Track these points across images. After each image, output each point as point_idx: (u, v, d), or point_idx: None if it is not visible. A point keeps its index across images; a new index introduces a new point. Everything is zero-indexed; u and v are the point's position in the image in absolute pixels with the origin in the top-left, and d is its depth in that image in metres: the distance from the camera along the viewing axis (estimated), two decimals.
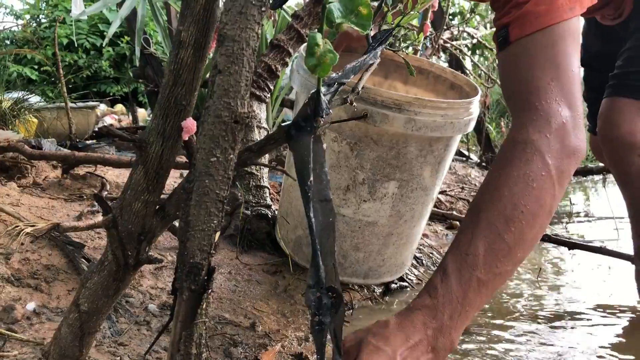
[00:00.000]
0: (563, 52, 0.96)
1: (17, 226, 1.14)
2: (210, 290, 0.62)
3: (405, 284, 1.66)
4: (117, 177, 1.96)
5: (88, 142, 2.63)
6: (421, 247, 2.02)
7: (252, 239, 1.68)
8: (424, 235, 2.22)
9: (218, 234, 0.62)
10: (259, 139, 1.87)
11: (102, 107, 5.79)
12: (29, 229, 1.11)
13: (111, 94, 6.48)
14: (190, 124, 0.63)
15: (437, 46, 3.23)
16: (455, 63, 3.50)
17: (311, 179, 0.65)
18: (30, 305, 1.08)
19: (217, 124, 0.59)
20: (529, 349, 1.20)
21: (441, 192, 2.87)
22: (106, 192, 1.69)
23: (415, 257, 1.87)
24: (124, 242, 0.66)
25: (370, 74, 1.68)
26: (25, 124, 2.34)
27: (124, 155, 2.32)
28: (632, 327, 1.35)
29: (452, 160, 3.97)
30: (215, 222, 0.61)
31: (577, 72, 0.98)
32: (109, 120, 5.45)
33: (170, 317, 0.65)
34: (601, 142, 1.43)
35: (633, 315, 1.42)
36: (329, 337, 0.66)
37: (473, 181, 3.62)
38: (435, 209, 2.49)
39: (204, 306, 0.63)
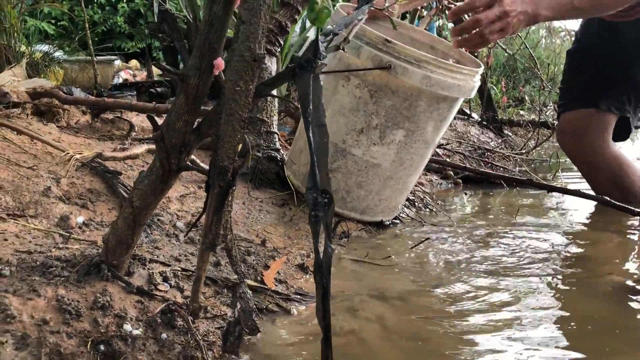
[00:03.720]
0: None
1: (68, 153, 1.35)
2: (234, 187, 0.84)
3: (397, 221, 1.88)
4: (142, 122, 2.16)
5: (112, 92, 2.83)
6: (416, 192, 2.23)
7: (263, 178, 1.89)
8: (420, 183, 2.43)
9: (240, 145, 0.83)
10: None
11: (117, 62, 5.96)
12: (77, 156, 1.33)
13: (126, 50, 6.63)
14: (219, 62, 0.83)
15: (440, 6, 3.36)
16: (459, 23, 3.63)
17: (311, 107, 0.86)
18: (80, 219, 1.30)
19: (241, 62, 0.79)
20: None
21: (439, 146, 3.06)
22: (134, 133, 1.91)
23: (409, 199, 2.08)
24: (169, 152, 0.87)
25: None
26: (54, 73, 2.53)
27: (145, 103, 2.52)
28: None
29: (454, 118, 4.15)
30: (238, 136, 0.82)
31: None
32: (124, 75, 5.61)
33: (204, 209, 0.87)
34: None
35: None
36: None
37: (472, 138, 3.79)
38: (432, 158, 2.69)
39: (230, 199, 0.84)
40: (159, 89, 3.99)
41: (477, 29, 1.48)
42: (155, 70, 5.83)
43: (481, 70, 1.59)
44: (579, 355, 0.99)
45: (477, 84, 1.58)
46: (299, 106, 0.87)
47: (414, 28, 1.89)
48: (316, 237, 0.87)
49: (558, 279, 1.38)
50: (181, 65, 3.87)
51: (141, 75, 5.78)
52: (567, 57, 2.22)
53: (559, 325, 1.12)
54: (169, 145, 0.86)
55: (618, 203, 1.73)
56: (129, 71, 6.00)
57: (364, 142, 1.61)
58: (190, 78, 0.83)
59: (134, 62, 6.72)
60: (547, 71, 3.92)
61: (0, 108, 1.81)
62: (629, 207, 1.68)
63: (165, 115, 2.03)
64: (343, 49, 0.87)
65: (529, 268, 1.44)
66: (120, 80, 5.09)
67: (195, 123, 0.88)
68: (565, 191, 1.89)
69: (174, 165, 0.88)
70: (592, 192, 2.03)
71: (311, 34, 3.23)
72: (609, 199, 1.75)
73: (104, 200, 1.41)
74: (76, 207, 1.35)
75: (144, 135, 2.02)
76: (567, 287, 1.33)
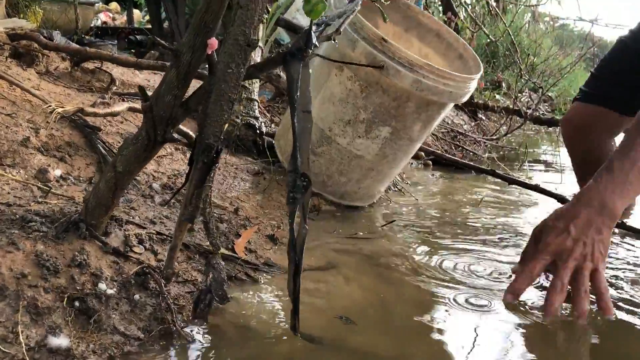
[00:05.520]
0: None
1: (50, 106, 1.36)
2: (217, 164, 0.87)
3: None
4: (122, 74, 2.15)
5: (93, 39, 2.78)
6: None
7: (240, 144, 1.92)
8: None
9: (227, 125, 0.86)
10: (253, 55, 2.08)
11: (98, 4, 5.78)
12: (60, 110, 1.33)
13: None
14: (213, 42, 0.85)
15: None
16: (446, 3, 3.65)
17: (298, 93, 0.89)
18: (57, 172, 1.32)
19: (235, 45, 0.82)
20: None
21: None
22: (115, 87, 1.91)
23: None
24: (156, 124, 0.90)
25: (392, 25, 1.88)
26: (35, 14, 2.48)
27: (129, 56, 2.49)
28: None
29: None
30: (225, 116, 0.85)
31: None
32: (103, 18, 5.47)
33: (185, 181, 0.91)
34: None
35: None
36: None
37: (447, 120, 3.86)
38: None
39: (212, 175, 0.88)
40: (138, 37, 3.93)
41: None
42: (136, 16, 5.69)
43: (479, 75, 1.59)
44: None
45: (472, 90, 1.57)
46: (286, 91, 0.90)
47: (424, 13, 1.86)
48: (292, 217, 0.91)
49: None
50: (163, 15, 3.81)
51: (121, 19, 5.65)
52: (615, 43, 1.97)
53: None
54: (156, 117, 0.89)
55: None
56: (109, 14, 5.84)
57: (350, 133, 1.62)
58: (183, 55, 0.86)
59: (114, 5, 6.53)
60: (526, 60, 3.99)
61: None
62: None
63: (147, 69, 2.02)
64: (334, 40, 0.90)
65: (488, 240, 1.57)
66: (99, 23, 4.96)
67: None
68: (525, 185, 1.97)
69: (160, 137, 0.91)
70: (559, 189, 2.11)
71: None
72: (565, 196, 1.84)
73: (82, 154, 1.42)
74: (54, 160, 1.36)
75: (124, 90, 2.02)
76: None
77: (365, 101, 1.56)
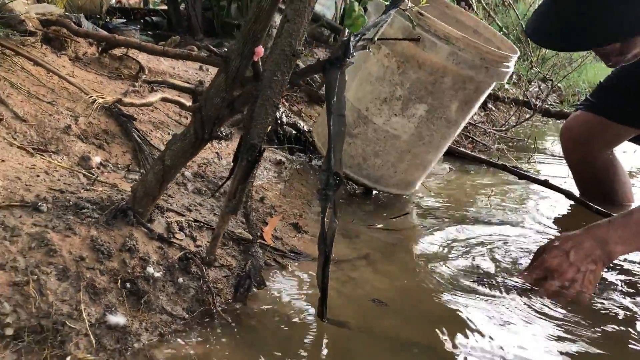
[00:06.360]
0: None
1: (91, 97, 1.43)
2: (259, 163, 0.95)
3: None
4: (148, 62, 2.22)
5: (117, 23, 2.84)
6: None
7: None
8: None
9: (270, 126, 0.94)
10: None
11: None
12: (100, 100, 1.41)
13: None
14: (260, 50, 0.93)
15: None
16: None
17: (334, 99, 0.97)
18: (97, 159, 1.40)
19: (281, 55, 0.89)
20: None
21: None
22: (145, 76, 1.98)
23: None
24: (204, 123, 0.98)
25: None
26: None
27: (148, 39, 2.56)
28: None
29: None
30: (270, 119, 0.93)
31: None
32: None
33: (229, 176, 0.99)
34: None
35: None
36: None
37: None
38: None
39: (254, 172, 0.96)
40: (154, 18, 3.97)
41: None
42: None
43: (516, 55, 1.60)
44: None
45: (511, 70, 1.59)
46: (324, 96, 0.98)
47: (461, 10, 1.90)
48: (324, 212, 1.00)
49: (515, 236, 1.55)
50: None
51: None
52: None
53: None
54: (205, 117, 0.97)
55: (581, 198, 1.89)
56: None
57: (386, 111, 1.65)
58: (232, 61, 0.93)
59: None
60: (538, 52, 4.03)
61: (15, 34, 1.85)
62: (590, 203, 1.84)
63: (173, 58, 2.07)
64: (369, 49, 0.98)
65: (505, 230, 1.68)
66: (113, 2, 5.00)
67: None
68: (534, 180, 2.04)
69: (207, 135, 0.99)
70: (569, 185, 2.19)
71: None
72: (572, 192, 1.92)
73: (118, 142, 1.50)
74: (93, 147, 1.44)
75: (150, 77, 2.09)
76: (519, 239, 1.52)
77: (401, 77, 1.59)
